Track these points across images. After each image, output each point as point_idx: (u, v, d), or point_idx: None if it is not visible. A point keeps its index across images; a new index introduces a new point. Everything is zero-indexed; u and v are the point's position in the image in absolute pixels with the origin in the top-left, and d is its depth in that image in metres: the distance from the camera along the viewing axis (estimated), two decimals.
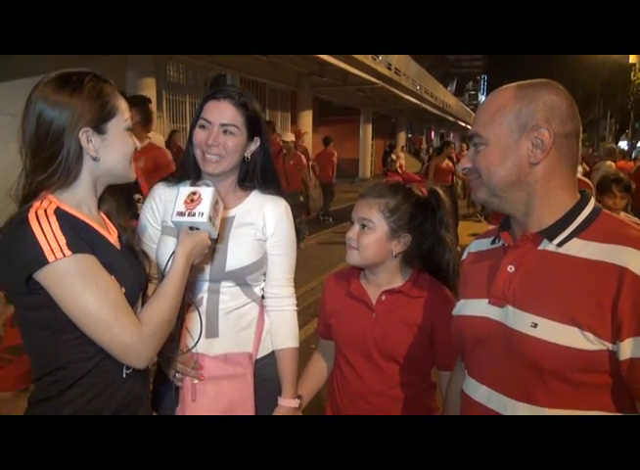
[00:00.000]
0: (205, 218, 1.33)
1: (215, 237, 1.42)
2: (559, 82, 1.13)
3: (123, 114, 1.28)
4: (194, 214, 1.33)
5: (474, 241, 1.36)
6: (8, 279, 1.16)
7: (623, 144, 33.47)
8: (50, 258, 1.09)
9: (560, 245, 1.09)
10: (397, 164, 14.51)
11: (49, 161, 1.20)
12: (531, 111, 1.09)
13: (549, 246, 1.11)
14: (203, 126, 1.56)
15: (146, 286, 1.39)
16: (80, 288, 1.12)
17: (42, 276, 1.11)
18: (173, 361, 1.57)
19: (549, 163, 1.10)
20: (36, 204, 1.17)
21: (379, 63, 14.68)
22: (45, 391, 1.21)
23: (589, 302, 1.01)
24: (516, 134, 1.10)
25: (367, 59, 13.55)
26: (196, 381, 1.55)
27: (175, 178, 1.66)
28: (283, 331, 1.68)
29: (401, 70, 17.29)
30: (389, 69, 15.83)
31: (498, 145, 1.11)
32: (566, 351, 1.02)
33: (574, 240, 1.08)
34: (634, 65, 29.54)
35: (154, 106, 7.72)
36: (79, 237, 1.15)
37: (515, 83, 1.15)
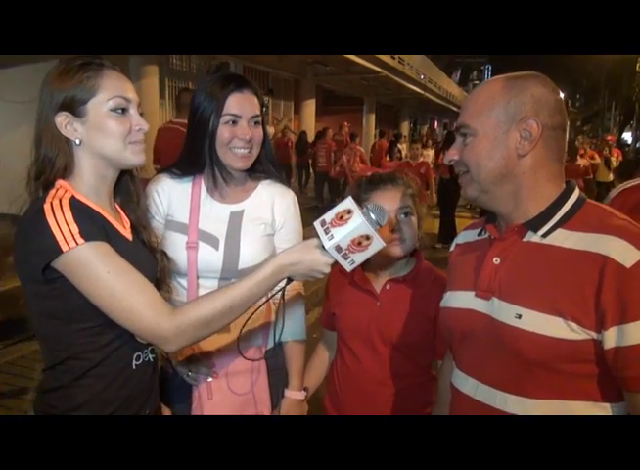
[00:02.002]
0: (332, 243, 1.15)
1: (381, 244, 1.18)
2: (564, 73, 1.14)
3: (107, 93, 1.20)
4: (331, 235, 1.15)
5: (461, 232, 1.37)
6: (24, 268, 1.17)
7: (628, 135, 33.26)
8: (64, 247, 1.09)
9: (544, 236, 1.10)
10: (402, 155, 14.42)
11: (37, 149, 1.21)
12: (520, 102, 1.09)
13: (534, 237, 1.11)
14: (233, 122, 1.50)
15: (157, 280, 1.35)
16: (96, 272, 1.12)
17: (59, 265, 1.12)
18: (186, 360, 1.55)
19: (537, 154, 1.10)
20: (52, 192, 1.17)
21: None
22: (57, 379, 1.22)
23: (573, 291, 1.02)
24: (504, 126, 1.10)
25: None
26: (210, 379, 1.54)
27: (180, 172, 1.60)
28: (289, 323, 1.65)
29: (405, 60, 17.12)
30: (393, 58, 15.69)
31: (486, 136, 1.11)
32: (550, 341, 1.02)
33: (559, 230, 1.09)
34: None
35: (156, 94, 7.73)
36: (94, 226, 1.15)
37: (503, 75, 1.15)
